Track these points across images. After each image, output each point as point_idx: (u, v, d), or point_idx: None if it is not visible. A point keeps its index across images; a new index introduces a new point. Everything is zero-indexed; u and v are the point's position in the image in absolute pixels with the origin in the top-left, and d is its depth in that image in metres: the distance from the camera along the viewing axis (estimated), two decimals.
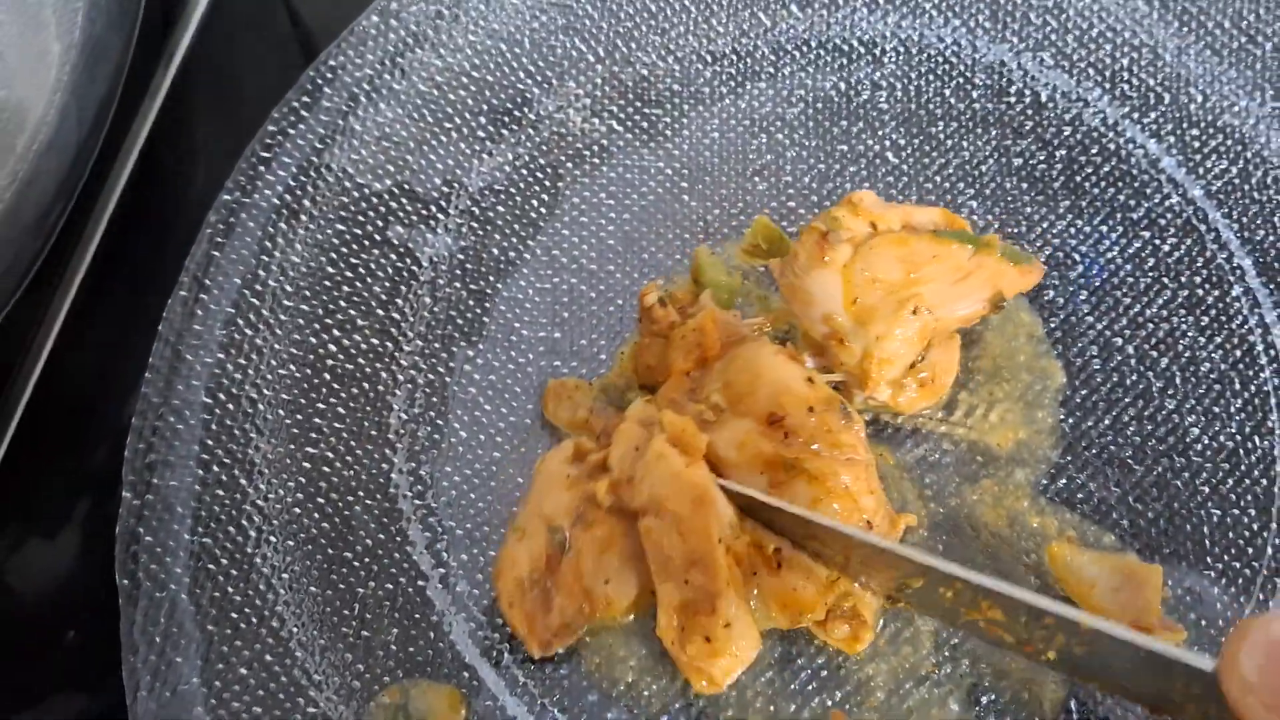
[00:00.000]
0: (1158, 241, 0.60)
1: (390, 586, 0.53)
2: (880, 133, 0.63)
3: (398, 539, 0.53)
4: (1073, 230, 0.60)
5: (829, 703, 0.50)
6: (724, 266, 0.58)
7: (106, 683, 0.50)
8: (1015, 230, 0.60)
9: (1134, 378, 0.56)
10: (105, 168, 0.60)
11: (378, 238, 0.60)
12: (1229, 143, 0.62)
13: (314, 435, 0.55)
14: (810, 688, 0.51)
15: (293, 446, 0.55)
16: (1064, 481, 0.54)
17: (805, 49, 0.65)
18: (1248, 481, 0.54)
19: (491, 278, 0.59)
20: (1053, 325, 0.58)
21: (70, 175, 0.47)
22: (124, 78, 0.52)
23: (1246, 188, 0.60)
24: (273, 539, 0.52)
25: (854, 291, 0.51)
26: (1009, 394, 0.56)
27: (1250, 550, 0.52)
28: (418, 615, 0.52)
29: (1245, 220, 0.60)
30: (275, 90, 0.61)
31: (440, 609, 0.52)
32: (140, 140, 0.62)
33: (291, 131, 0.60)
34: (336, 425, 0.56)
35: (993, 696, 0.50)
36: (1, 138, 0.43)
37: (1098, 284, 0.58)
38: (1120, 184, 0.61)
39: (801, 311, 0.53)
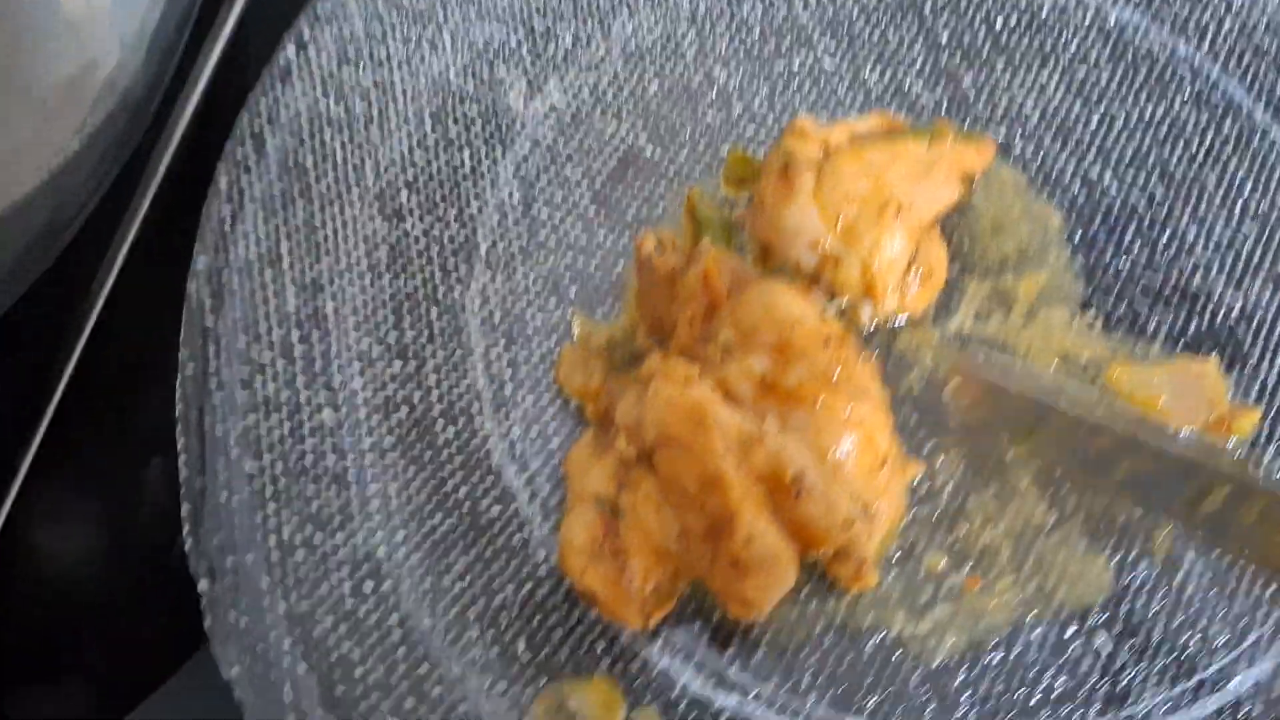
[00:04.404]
0: (1100, 70, 0.62)
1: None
2: (808, 44, 0.63)
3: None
4: (1018, 83, 0.61)
5: (960, 575, 0.50)
6: (717, 205, 0.57)
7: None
8: (963, 102, 0.61)
9: (1125, 197, 0.58)
10: (166, 110, 0.57)
11: None
12: None
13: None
14: (939, 569, 0.51)
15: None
16: (1095, 309, 0.56)
17: None
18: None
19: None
20: (1031, 173, 0.59)
21: (135, 123, 0.45)
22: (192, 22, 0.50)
23: None
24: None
25: (831, 213, 0.52)
26: (1016, 246, 0.57)
27: None
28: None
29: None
30: None
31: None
32: (200, 88, 0.59)
33: None
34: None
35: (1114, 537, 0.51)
36: (74, 87, 0.40)
37: (1057, 125, 0.60)
38: (1045, 28, 0.63)
39: (786, 249, 0.53)
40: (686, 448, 0.46)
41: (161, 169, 0.57)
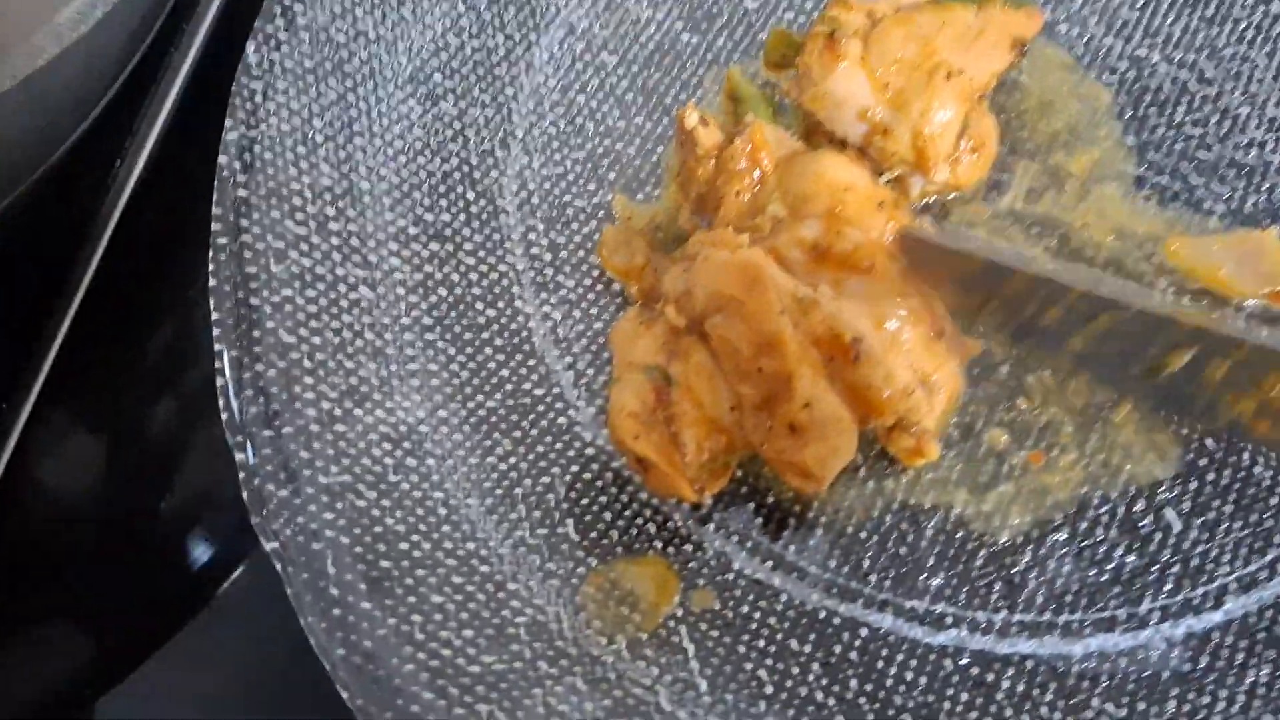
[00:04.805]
0: None
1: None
2: None
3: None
4: None
5: (1022, 452, 0.48)
6: (758, 85, 0.55)
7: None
8: None
9: (1174, 75, 0.56)
10: None
11: None
12: None
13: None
14: (1000, 445, 0.49)
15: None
16: (1148, 186, 0.54)
17: None
18: None
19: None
20: (1078, 53, 0.57)
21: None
22: None
23: None
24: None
25: (879, 81, 0.50)
26: (1066, 123, 0.55)
27: None
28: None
29: None
30: None
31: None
32: None
33: None
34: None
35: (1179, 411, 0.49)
36: None
37: (1102, 6, 0.58)
38: None
39: (832, 119, 0.51)
40: (740, 309, 0.44)
41: (194, 49, 0.55)
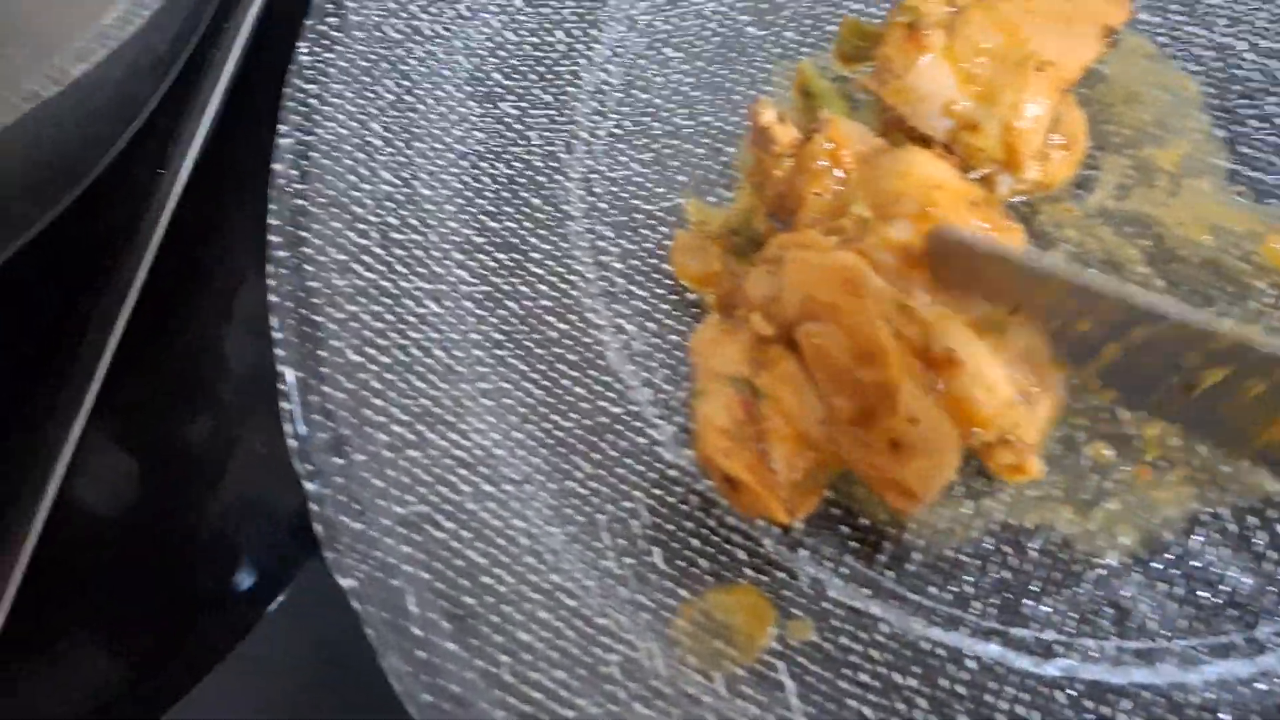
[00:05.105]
0: None
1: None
2: None
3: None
4: None
5: (1127, 467, 0.45)
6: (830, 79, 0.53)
7: None
8: None
9: (1263, 66, 0.54)
10: None
11: None
12: None
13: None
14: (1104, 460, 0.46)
15: None
16: (1241, 180, 0.52)
17: None
18: None
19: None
20: (1162, 42, 0.55)
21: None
22: None
23: None
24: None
25: (965, 73, 0.47)
26: (1153, 116, 0.53)
27: None
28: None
29: None
30: None
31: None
32: None
33: None
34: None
35: None
36: None
37: None
38: None
39: (915, 114, 0.49)
40: (837, 315, 0.41)
41: (236, 49, 0.52)
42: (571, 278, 0.49)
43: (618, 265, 0.49)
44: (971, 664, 0.43)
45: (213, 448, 0.52)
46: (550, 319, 0.48)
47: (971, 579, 0.45)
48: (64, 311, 0.49)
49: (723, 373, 0.44)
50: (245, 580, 0.50)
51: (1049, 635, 0.44)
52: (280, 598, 0.48)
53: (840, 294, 0.41)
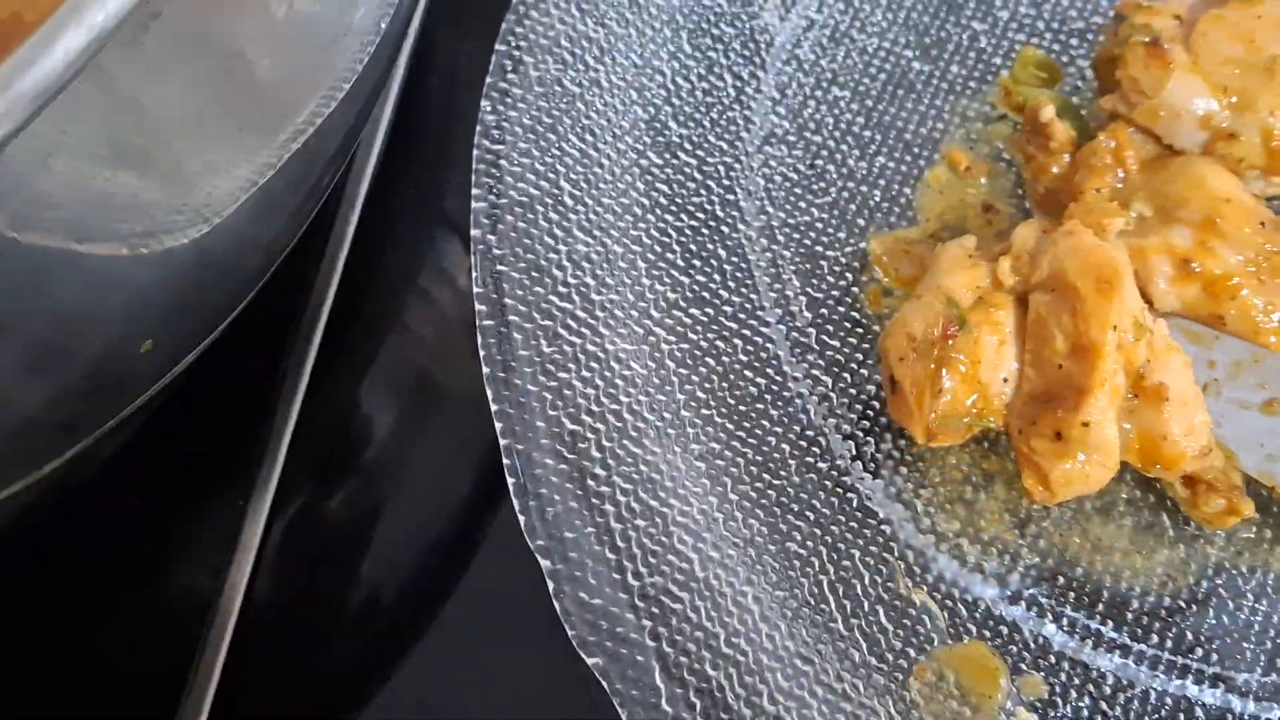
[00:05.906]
0: None
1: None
2: None
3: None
4: None
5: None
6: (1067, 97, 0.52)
7: None
8: None
9: None
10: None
11: None
12: None
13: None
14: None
15: None
16: None
17: None
18: None
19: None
20: None
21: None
22: None
23: None
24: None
25: (1216, 83, 0.47)
26: None
27: None
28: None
29: None
30: None
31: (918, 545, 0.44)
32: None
33: None
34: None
35: None
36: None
37: None
38: None
39: (1170, 131, 0.48)
40: (1077, 302, 0.41)
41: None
42: (765, 329, 0.47)
43: (807, 315, 0.48)
44: (1199, 713, 0.42)
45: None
46: (748, 374, 0.46)
47: (1190, 624, 0.44)
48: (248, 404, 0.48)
49: (946, 290, 0.43)
50: None
51: (1273, 679, 0.43)
52: None
53: (1091, 284, 0.41)
